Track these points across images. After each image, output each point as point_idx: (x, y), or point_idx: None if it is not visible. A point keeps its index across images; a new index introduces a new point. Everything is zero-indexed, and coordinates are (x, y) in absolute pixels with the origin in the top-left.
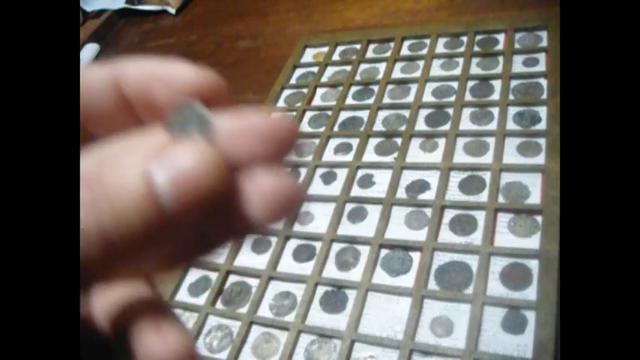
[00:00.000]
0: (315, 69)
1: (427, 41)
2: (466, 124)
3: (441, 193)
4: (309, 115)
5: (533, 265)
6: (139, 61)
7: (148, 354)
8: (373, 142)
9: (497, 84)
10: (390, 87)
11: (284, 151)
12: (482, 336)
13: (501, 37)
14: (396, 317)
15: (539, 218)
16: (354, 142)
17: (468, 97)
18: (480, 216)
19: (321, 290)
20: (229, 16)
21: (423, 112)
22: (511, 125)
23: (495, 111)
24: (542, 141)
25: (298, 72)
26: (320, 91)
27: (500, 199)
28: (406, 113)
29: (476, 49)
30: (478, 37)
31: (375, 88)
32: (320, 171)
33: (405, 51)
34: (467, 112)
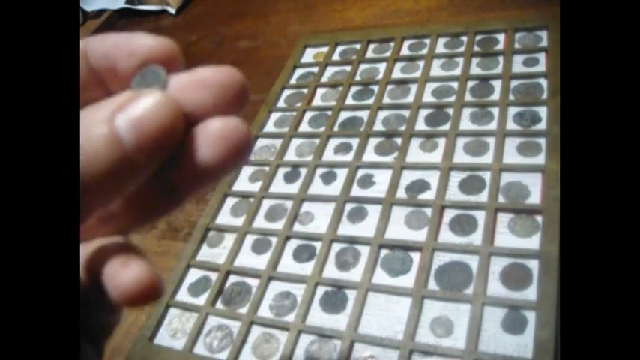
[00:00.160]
0: (315, 69)
1: (427, 41)
2: (466, 124)
3: (441, 193)
4: (309, 115)
5: (533, 265)
6: (102, 36)
7: (115, 285)
8: (373, 142)
9: (497, 84)
10: (390, 87)
11: (232, 97)
12: (482, 336)
13: (501, 37)
14: (396, 317)
15: (539, 218)
16: (354, 142)
17: (468, 97)
18: (480, 216)
19: (321, 290)
20: (229, 16)
21: (423, 112)
22: (511, 125)
23: (495, 111)
24: (542, 141)
25: (298, 72)
26: (320, 91)
27: (500, 199)
28: (406, 113)
29: (476, 49)
30: (478, 37)
31: (375, 88)
32: (320, 171)
33: (405, 51)
34: (467, 112)
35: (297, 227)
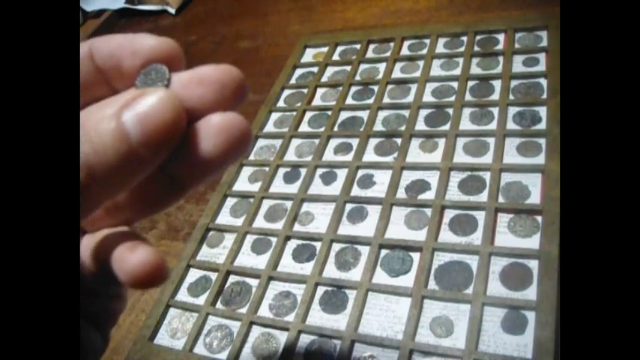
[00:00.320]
0: (315, 69)
1: (427, 41)
2: (466, 124)
3: (441, 193)
4: (309, 115)
5: (533, 265)
6: (107, 36)
7: (124, 268)
8: (373, 142)
9: (497, 84)
10: (390, 87)
11: (230, 94)
12: (482, 336)
13: (501, 37)
14: (396, 317)
15: (539, 218)
16: (354, 142)
17: (468, 97)
18: (480, 216)
19: (321, 290)
20: (229, 16)
21: (423, 112)
22: (511, 125)
23: (495, 111)
24: (542, 141)
25: (298, 72)
26: (320, 91)
27: (500, 199)
28: (406, 113)
29: (476, 49)
30: (478, 37)
31: (375, 88)
32: (320, 171)
33: (405, 51)
34: (467, 112)
35: (297, 227)
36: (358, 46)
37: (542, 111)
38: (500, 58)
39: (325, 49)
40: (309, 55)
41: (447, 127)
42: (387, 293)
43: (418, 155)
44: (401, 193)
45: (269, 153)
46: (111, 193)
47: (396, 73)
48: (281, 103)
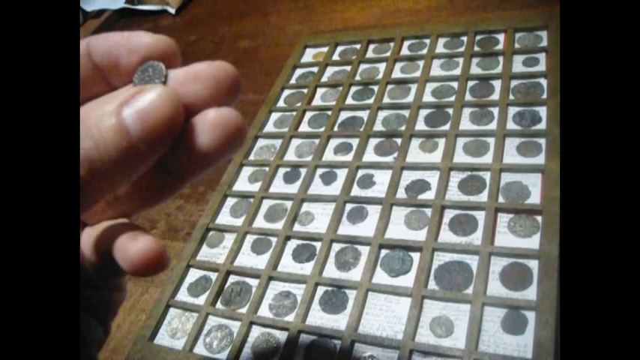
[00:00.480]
0: (315, 69)
1: (427, 41)
2: (466, 124)
3: (441, 193)
4: (309, 115)
5: (533, 265)
6: (105, 34)
7: (126, 257)
8: (373, 142)
9: (497, 84)
10: (390, 87)
11: (225, 89)
12: (482, 336)
13: (501, 37)
14: (396, 317)
15: (539, 218)
16: (354, 142)
17: (468, 97)
18: (480, 216)
19: (321, 290)
20: (229, 16)
21: (423, 112)
22: (511, 125)
23: (495, 111)
24: (542, 141)
25: (298, 72)
26: (320, 91)
27: (500, 199)
28: (406, 113)
29: (476, 49)
30: (478, 37)
31: (375, 88)
32: (320, 171)
33: (405, 51)
34: (467, 112)
35: (297, 227)
36: (358, 46)
37: (542, 111)
38: (500, 58)
39: (325, 49)
40: (309, 55)
41: (447, 127)
42: (387, 293)
43: (418, 155)
44: (401, 193)
45: (269, 153)
46: (111, 187)
47: (396, 73)
48: (281, 103)
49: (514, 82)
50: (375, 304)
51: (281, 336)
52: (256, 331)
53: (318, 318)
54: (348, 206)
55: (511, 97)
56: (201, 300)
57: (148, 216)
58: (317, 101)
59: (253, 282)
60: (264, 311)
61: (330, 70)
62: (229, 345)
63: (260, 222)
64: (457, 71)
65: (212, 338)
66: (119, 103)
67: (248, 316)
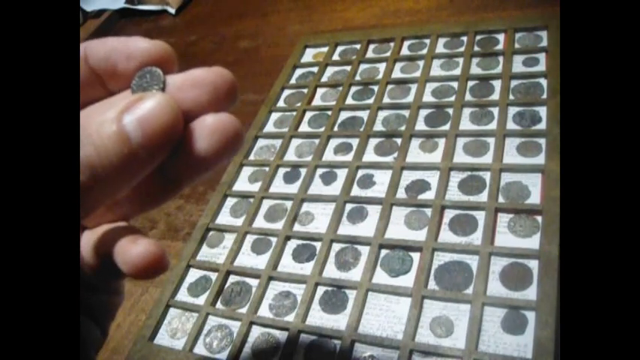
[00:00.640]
0: (315, 69)
1: (427, 41)
2: (466, 124)
3: (441, 193)
4: (309, 115)
5: (533, 265)
6: (102, 39)
7: (126, 260)
8: (373, 142)
9: (497, 84)
10: (390, 87)
11: (223, 95)
12: (482, 336)
13: (501, 37)
14: (396, 317)
15: (539, 218)
16: (354, 142)
17: (468, 97)
18: (480, 216)
19: (321, 290)
20: (229, 16)
21: (423, 112)
22: (511, 125)
23: (495, 111)
24: (542, 141)
25: (298, 72)
26: (320, 91)
27: (500, 199)
28: (406, 113)
29: (476, 49)
30: (478, 37)
31: (375, 88)
32: (320, 171)
33: (405, 51)
34: (467, 112)
35: (297, 227)
36: (358, 46)
37: (542, 111)
38: (500, 58)
39: (325, 49)
40: (309, 55)
41: (447, 127)
42: (387, 293)
43: (418, 155)
44: (401, 193)
45: (269, 153)
46: (113, 192)
47: (396, 73)
48: (281, 103)
49: (514, 82)
50: (375, 304)
51: (281, 336)
52: (256, 331)
53: (318, 318)
54: (348, 206)
55: (511, 97)
56: (201, 300)
57: (148, 216)
58: (317, 101)
59: (253, 282)
60: (264, 311)
61: (330, 70)
62: (229, 345)
63: (260, 222)
64: (457, 71)
65: (212, 338)
66: (120, 110)
67: (248, 316)
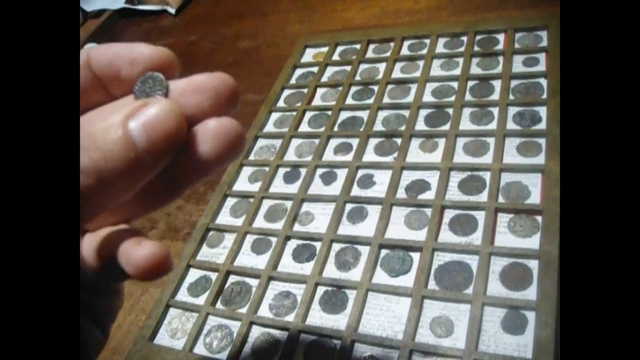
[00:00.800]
0: (315, 69)
1: (427, 41)
2: (466, 124)
3: (441, 193)
4: (309, 115)
5: (533, 265)
6: (105, 45)
7: (131, 262)
8: (373, 142)
9: (497, 84)
10: (390, 87)
11: (225, 100)
12: (482, 336)
13: (501, 37)
14: (396, 317)
15: (539, 218)
16: (354, 142)
17: (468, 97)
18: (480, 216)
19: (321, 290)
20: (229, 16)
21: (423, 112)
22: (511, 125)
23: (495, 111)
24: (542, 141)
25: (298, 72)
26: (320, 91)
27: (500, 199)
28: (406, 113)
29: (476, 49)
30: (478, 37)
31: (375, 88)
32: (320, 171)
33: (405, 51)
34: (467, 112)
35: (297, 227)
36: (358, 46)
37: (542, 111)
38: (500, 58)
39: (325, 49)
40: (309, 55)
41: (447, 127)
42: (387, 293)
43: (418, 155)
44: (401, 193)
45: (269, 153)
46: (117, 196)
47: (396, 73)
48: (281, 103)
49: (514, 82)
50: (375, 304)
51: (281, 336)
52: (256, 331)
53: (318, 318)
54: (348, 206)
55: (511, 97)
56: (201, 300)
57: (148, 216)
58: (317, 101)
59: (253, 282)
60: (264, 311)
61: (330, 70)
62: (229, 345)
63: (260, 222)
64: (457, 71)
65: (212, 338)
66: (125, 115)
67: (248, 316)
